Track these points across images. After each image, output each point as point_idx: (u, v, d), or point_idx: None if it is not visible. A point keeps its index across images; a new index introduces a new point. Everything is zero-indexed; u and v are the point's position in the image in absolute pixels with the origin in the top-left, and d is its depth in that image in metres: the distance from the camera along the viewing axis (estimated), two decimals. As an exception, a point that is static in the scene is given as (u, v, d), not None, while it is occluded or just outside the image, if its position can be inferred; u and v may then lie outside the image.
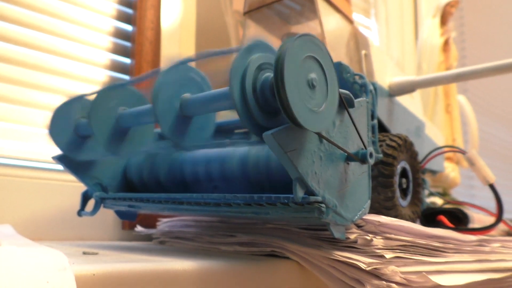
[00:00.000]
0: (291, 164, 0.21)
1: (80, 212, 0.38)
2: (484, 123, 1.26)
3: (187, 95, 0.26)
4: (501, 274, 0.36)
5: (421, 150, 0.53)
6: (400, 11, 0.97)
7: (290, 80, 0.19)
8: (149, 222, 0.45)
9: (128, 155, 0.37)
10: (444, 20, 0.82)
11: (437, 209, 0.49)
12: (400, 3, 0.98)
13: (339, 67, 0.36)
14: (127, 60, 0.53)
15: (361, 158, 0.24)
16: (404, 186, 0.39)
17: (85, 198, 0.38)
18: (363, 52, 0.42)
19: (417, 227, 0.30)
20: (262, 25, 0.45)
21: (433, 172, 0.65)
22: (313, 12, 0.40)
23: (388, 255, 0.25)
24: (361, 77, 0.37)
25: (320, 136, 0.22)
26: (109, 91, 0.31)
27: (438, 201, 0.75)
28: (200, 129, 0.27)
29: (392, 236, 0.27)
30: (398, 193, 0.37)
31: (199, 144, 0.26)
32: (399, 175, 0.38)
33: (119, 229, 0.46)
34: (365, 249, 0.26)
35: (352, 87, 0.37)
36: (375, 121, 0.36)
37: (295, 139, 0.21)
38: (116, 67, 0.52)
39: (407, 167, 0.40)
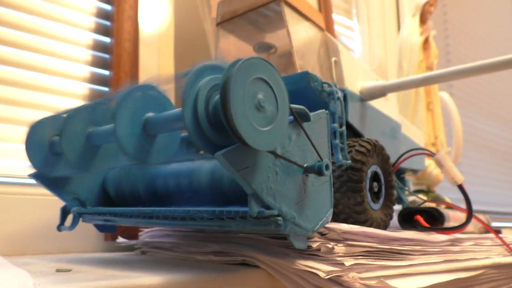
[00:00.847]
0: (244, 181, 0.22)
1: (60, 226, 0.38)
2: (472, 118, 1.27)
3: (150, 114, 0.26)
4: (471, 272, 0.37)
5: (398, 151, 0.54)
6: (382, 10, 0.98)
7: (236, 103, 0.19)
8: (131, 232, 0.46)
9: (100, 172, 0.38)
10: (423, 19, 0.83)
11: (414, 208, 0.50)
12: (382, 2, 0.99)
13: (306, 76, 0.37)
14: (106, 72, 0.54)
15: (318, 171, 0.25)
16: (376, 189, 0.40)
17: (64, 212, 0.39)
18: (333, 59, 0.43)
19: (382, 232, 0.31)
20: (235, 34, 0.46)
21: (414, 171, 0.66)
22: (282, 21, 0.41)
23: (348, 262, 0.26)
24: (329, 85, 0.38)
25: (272, 153, 0.22)
26: (81, 110, 0.32)
27: (422, 197, 0.76)
28: (165, 146, 0.27)
29: (355, 243, 0.28)
30: (368, 197, 0.38)
31: (164, 161, 0.26)
32: (370, 179, 0.39)
33: (101, 240, 0.47)
34: (327, 257, 0.27)
35: (320, 95, 0.38)
36: (344, 128, 0.37)
37: (248, 156, 0.22)
38: (96, 79, 0.53)
39: (379, 170, 0.41)
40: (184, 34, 0.60)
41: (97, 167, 0.31)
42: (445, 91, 1.17)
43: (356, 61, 0.47)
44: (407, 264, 0.31)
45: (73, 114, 0.31)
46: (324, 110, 0.29)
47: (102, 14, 0.55)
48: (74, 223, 0.37)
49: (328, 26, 0.83)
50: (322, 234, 0.28)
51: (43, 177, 0.35)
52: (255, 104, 0.21)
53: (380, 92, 0.44)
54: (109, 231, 0.41)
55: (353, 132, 0.45)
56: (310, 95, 0.38)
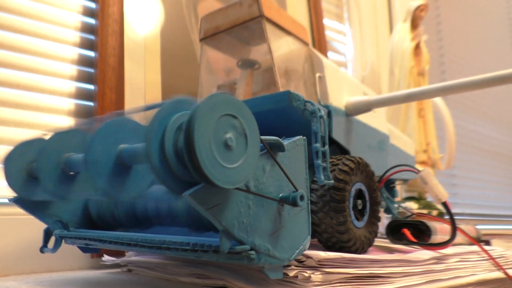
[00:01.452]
0: (214, 219, 0.21)
1: (43, 248, 0.38)
2: (466, 120, 1.27)
3: (122, 146, 0.26)
4: (455, 291, 0.37)
5: (386, 163, 0.53)
6: (373, 14, 0.98)
7: (201, 143, 0.19)
8: (117, 250, 0.46)
9: (77, 199, 0.37)
10: (415, 24, 0.83)
11: (401, 221, 0.50)
12: (374, 6, 0.98)
13: (288, 96, 0.37)
14: (91, 87, 0.53)
15: (292, 202, 0.25)
16: (360, 207, 0.40)
17: (47, 234, 0.39)
18: (317, 74, 0.43)
19: (361, 256, 0.31)
20: (219, 49, 0.46)
21: (405, 180, 0.66)
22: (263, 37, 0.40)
23: (325, 291, 0.26)
24: (311, 104, 0.38)
25: (242, 190, 0.22)
26: (57, 136, 0.31)
27: (413, 205, 0.76)
28: (141, 176, 0.27)
29: (333, 270, 0.28)
30: (352, 215, 0.38)
31: (139, 193, 0.26)
32: (354, 197, 0.39)
33: (87, 258, 0.47)
34: (304, 285, 0.27)
35: (303, 114, 0.38)
36: (326, 147, 0.37)
37: (217, 194, 0.21)
38: (81, 94, 0.53)
39: (363, 188, 0.40)
40: (171, 46, 0.60)
41: (75, 194, 0.31)
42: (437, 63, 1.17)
43: (342, 75, 0.46)
44: (387, 289, 0.31)
45: (49, 140, 0.31)
46: (301, 136, 0.29)
47: (86, 28, 0.55)
48: (57, 245, 0.37)
49: (319, 31, 0.82)
50: (300, 261, 0.28)
51: (23, 201, 0.35)
52: (223, 141, 0.20)
53: (365, 108, 0.44)
54: (92, 252, 0.40)
55: (339, 148, 0.45)
56: (292, 113, 0.38)
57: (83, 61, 0.54)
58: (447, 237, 0.50)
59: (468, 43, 1.34)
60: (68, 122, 0.51)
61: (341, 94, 0.45)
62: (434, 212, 0.76)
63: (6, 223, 0.43)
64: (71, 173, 0.31)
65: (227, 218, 0.22)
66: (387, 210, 0.56)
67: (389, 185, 0.62)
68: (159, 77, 0.57)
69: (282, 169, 0.25)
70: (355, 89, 0.48)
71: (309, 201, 0.29)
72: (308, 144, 0.32)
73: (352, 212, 0.38)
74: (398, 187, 0.73)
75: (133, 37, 0.55)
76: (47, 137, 0.33)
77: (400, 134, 0.63)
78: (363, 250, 0.39)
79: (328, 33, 0.89)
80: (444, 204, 0.41)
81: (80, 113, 0.52)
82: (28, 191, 0.34)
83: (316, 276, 0.27)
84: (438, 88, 0.39)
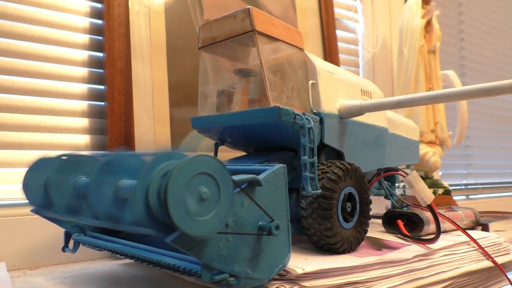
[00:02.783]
0: (195, 257, 0.25)
1: (64, 248, 0.43)
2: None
3: (122, 181, 0.29)
4: (437, 286, 0.40)
5: (383, 156, 0.55)
6: (387, -14, 0.95)
7: (174, 201, 0.22)
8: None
9: (84, 222, 0.41)
10: (426, 0, 0.80)
11: (396, 212, 0.53)
12: (387, -23, 0.95)
13: (277, 112, 0.39)
14: (102, 87, 0.57)
15: (268, 231, 0.28)
16: (349, 209, 0.43)
17: (67, 235, 0.44)
18: (310, 82, 0.45)
19: (340, 265, 0.34)
20: (216, 56, 0.47)
21: (408, 165, 0.67)
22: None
23: (302, 303, 0.30)
24: (300, 117, 0.40)
25: (218, 233, 0.25)
26: (69, 160, 0.35)
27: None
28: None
29: (311, 282, 0.31)
30: (340, 219, 0.41)
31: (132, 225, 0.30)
32: (344, 200, 0.42)
33: (106, 248, 0.52)
34: (283, 298, 0.30)
35: (293, 127, 0.40)
36: (315, 158, 0.39)
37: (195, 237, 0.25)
38: (92, 95, 0.56)
39: (353, 191, 0.43)
40: (177, 42, 0.62)
41: (85, 215, 0.35)
42: (457, 67, 1.15)
43: (336, 79, 0.48)
44: (364, 294, 0.34)
45: (62, 163, 0.35)
46: (281, 165, 0.31)
47: (94, 30, 0.57)
48: (75, 247, 0.42)
49: (327, 10, 0.81)
50: (281, 275, 0.32)
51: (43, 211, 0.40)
52: (196, 197, 0.23)
53: (358, 112, 0.45)
54: (108, 249, 0.45)
55: (333, 150, 0.47)
56: (283, 126, 0.40)
57: (93, 63, 0.57)
58: (442, 226, 0.53)
59: (489, 41, 1.28)
60: (82, 123, 0.55)
61: (335, 99, 0.46)
62: (440, 191, 0.78)
63: (35, 222, 0.49)
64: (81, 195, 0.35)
65: (207, 254, 0.25)
66: (387, 196, 0.59)
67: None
68: (166, 75, 0.59)
69: (257, 204, 0.28)
70: (351, 89, 0.50)
71: (289, 222, 0.32)
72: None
73: (340, 216, 0.41)
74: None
75: (139, 37, 0.57)
76: (64, 158, 0.36)
77: (403, 120, 0.64)
78: (351, 250, 0.42)
79: (337, 11, 0.87)
80: (430, 207, 0.43)
81: (92, 113, 0.56)
82: (44, 207, 0.38)
83: (294, 290, 0.30)
84: (426, 97, 0.40)
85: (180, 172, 0.23)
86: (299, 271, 0.31)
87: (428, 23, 0.80)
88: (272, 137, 0.43)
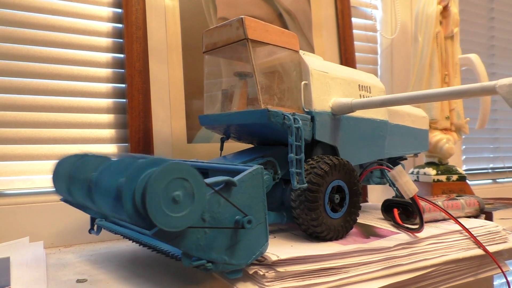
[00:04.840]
0: (176, 247, 0.30)
1: (90, 230, 0.51)
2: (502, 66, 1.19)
3: (122, 179, 0.35)
4: (414, 273, 0.44)
5: (383, 147, 0.58)
6: (408, -32, 0.94)
7: (151, 202, 0.27)
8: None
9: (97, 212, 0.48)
10: (443, -15, 0.79)
11: (393, 201, 0.56)
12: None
13: (267, 114, 0.43)
14: (123, 85, 0.63)
15: (241, 226, 0.33)
16: (338, 201, 0.46)
17: (93, 220, 0.51)
18: (303, 82, 0.48)
19: (316, 253, 0.38)
20: (218, 60, 0.52)
21: (415, 155, 0.69)
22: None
23: (275, 286, 0.35)
24: (288, 118, 0.44)
25: (192, 227, 0.31)
26: (89, 158, 0.41)
27: (431, 171, 0.80)
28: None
29: (283, 268, 0.36)
30: (327, 209, 0.45)
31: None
32: (332, 192, 0.46)
33: (129, 230, 0.60)
34: (261, 281, 0.35)
35: (282, 127, 0.44)
36: (302, 155, 0.43)
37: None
38: (115, 93, 0.63)
39: (342, 183, 0.47)
40: (192, 41, 0.66)
41: (94, 210, 0.41)
42: (486, 47, 1.11)
43: (331, 78, 0.50)
44: (337, 279, 0.38)
45: (82, 160, 0.41)
46: (258, 166, 0.36)
47: (115, 34, 0.63)
48: (98, 230, 0.49)
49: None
50: (260, 261, 0.37)
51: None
52: (171, 198, 0.28)
53: (348, 110, 0.48)
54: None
55: (327, 144, 0.50)
56: (273, 126, 0.44)
57: (116, 64, 0.63)
58: (435, 215, 0.55)
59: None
60: (106, 118, 0.62)
61: (328, 97, 0.50)
62: (454, 177, 0.79)
63: (68, 207, 0.56)
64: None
65: (185, 244, 0.31)
66: (390, 183, 0.62)
67: (397, 161, 0.67)
68: (181, 73, 0.64)
69: (230, 202, 0.32)
70: (347, 86, 0.53)
71: (266, 216, 0.36)
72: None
73: (327, 207, 0.45)
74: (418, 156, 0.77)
75: (155, 39, 0.63)
76: (88, 154, 0.43)
77: (410, 111, 0.66)
78: (338, 237, 0.46)
79: (356, -4, 0.88)
80: (412, 199, 0.46)
81: (116, 110, 0.62)
82: (69, 196, 0.45)
83: (270, 274, 0.35)
84: (408, 97, 0.42)
85: (157, 178, 0.28)
86: (274, 258, 0.36)
87: (445, 9, 0.79)
88: (266, 134, 0.47)
